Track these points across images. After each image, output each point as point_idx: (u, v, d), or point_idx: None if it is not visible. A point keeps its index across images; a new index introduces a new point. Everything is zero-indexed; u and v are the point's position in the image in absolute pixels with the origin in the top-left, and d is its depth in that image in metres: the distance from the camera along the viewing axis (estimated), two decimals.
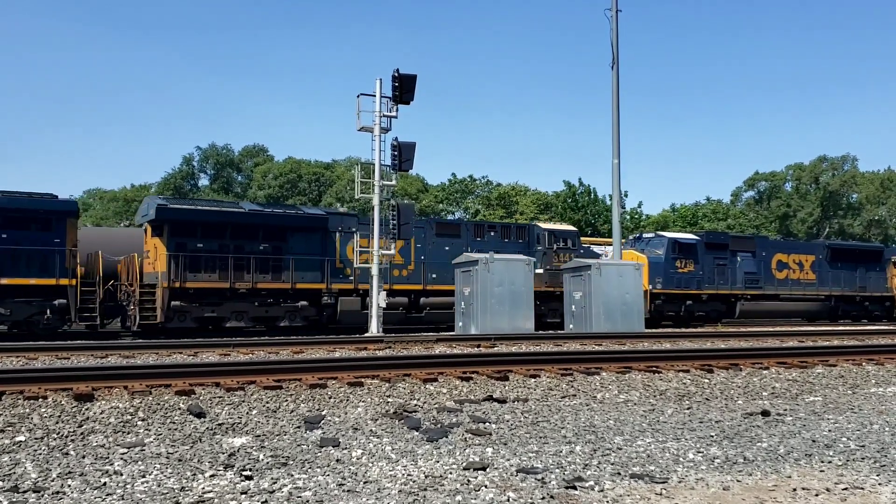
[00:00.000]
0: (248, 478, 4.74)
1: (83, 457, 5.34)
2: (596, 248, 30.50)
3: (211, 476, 4.79)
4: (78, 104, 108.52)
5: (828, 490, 4.62)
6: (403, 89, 20.43)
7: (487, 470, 5.00)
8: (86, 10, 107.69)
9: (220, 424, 6.52)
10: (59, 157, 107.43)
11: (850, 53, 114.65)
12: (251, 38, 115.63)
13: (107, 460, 5.23)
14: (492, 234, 25.73)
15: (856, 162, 76.08)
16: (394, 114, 20.89)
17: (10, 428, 6.19)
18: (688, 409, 7.91)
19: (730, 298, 29.18)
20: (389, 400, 7.70)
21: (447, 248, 24.45)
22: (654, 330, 22.31)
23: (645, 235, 30.86)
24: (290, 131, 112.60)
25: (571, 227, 28.81)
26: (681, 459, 5.42)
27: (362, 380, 8.36)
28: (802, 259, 31.72)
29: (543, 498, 4.34)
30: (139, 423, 6.47)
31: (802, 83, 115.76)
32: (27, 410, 6.62)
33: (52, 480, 4.65)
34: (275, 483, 4.60)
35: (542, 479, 4.78)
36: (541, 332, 20.63)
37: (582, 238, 29.82)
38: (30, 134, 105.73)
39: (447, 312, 23.37)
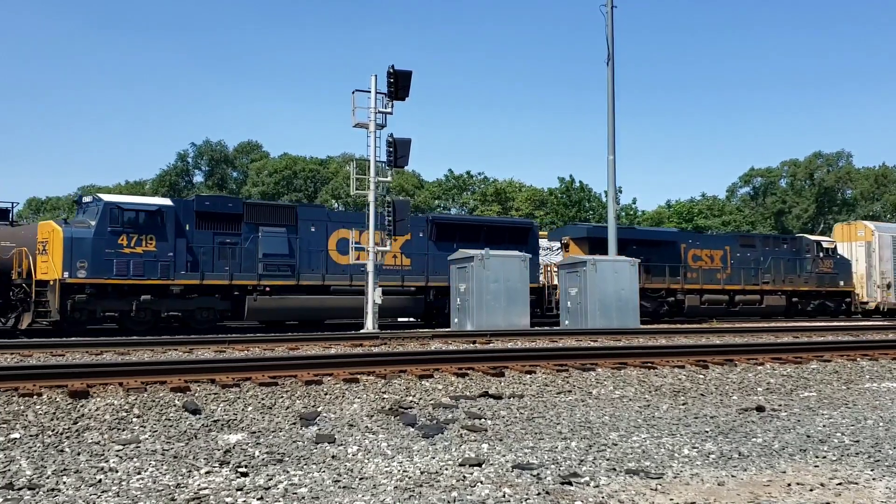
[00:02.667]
0: (244, 474, 4.74)
1: (78, 454, 5.33)
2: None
3: (206, 473, 4.79)
4: (73, 102, 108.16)
5: (822, 485, 4.63)
6: (399, 85, 20.41)
7: (483, 466, 5.00)
8: (82, 9, 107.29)
9: (215, 421, 6.52)
10: (56, 154, 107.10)
11: (845, 50, 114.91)
12: (246, 34, 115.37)
13: (102, 457, 5.22)
14: None
15: (851, 158, 76.34)
16: (389, 110, 20.86)
17: (4, 425, 6.17)
18: (683, 404, 7.93)
19: (233, 292, 20.14)
20: (385, 396, 7.70)
21: None
22: (649, 326, 22.33)
23: (84, 199, 20.89)
24: (285, 128, 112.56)
25: None
26: (676, 455, 5.43)
27: (358, 376, 8.36)
28: (388, 239, 21.48)
29: (539, 494, 4.34)
30: (134, 419, 6.46)
31: (798, 79, 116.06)
32: (22, 407, 6.61)
33: (47, 478, 4.64)
34: (270, 480, 4.60)
35: (538, 474, 4.78)
36: (536, 328, 20.63)
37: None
38: (25, 131, 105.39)
39: None
